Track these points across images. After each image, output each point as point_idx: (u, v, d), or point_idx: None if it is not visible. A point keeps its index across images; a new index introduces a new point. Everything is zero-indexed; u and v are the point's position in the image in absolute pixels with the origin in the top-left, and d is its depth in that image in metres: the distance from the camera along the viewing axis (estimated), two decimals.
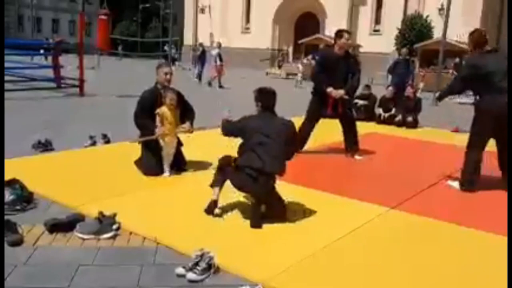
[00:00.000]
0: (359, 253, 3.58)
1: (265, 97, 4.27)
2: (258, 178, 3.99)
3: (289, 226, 4.04)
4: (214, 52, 19.82)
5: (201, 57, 21.13)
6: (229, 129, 4.49)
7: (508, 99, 5.06)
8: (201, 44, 22.50)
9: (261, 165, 3.97)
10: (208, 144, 6.41)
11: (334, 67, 6.57)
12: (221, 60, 19.48)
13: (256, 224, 3.96)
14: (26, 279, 2.94)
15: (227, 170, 4.20)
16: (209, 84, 19.04)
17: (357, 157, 6.80)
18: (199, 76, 20.50)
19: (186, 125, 5.44)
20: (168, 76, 5.38)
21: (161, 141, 5.26)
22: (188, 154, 5.72)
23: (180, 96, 5.39)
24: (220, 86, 18.74)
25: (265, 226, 4.00)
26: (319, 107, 6.78)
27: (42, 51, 21.87)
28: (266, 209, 4.14)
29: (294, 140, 4.41)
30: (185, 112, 5.47)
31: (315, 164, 6.48)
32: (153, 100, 5.30)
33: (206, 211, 4.14)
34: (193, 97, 5.77)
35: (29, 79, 13.78)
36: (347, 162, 6.68)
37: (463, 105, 15.75)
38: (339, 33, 6.63)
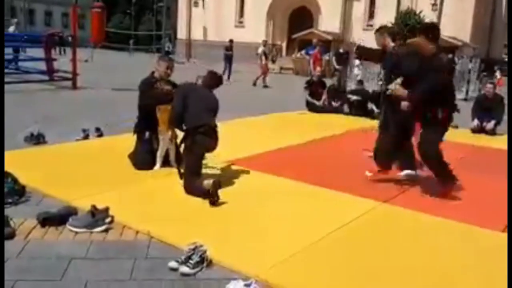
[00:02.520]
0: (351, 246, 3.60)
1: (210, 78, 5.01)
2: (209, 131, 4.64)
3: (282, 220, 4.06)
4: (260, 49, 18.80)
5: (229, 55, 19.99)
6: (176, 113, 4.73)
7: (508, 98, 5.08)
8: (231, 41, 20.83)
9: (207, 120, 4.67)
10: None
11: None
12: (266, 58, 18.80)
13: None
14: (18, 273, 2.94)
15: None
16: (262, 84, 18.04)
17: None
18: (228, 75, 18.89)
19: None
20: (169, 71, 5.51)
21: (160, 136, 5.27)
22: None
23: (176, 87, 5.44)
24: (265, 86, 17.82)
25: (259, 220, 4.02)
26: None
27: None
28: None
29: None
30: None
31: (307, 158, 6.48)
32: (148, 86, 5.39)
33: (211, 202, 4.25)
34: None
35: (22, 72, 13.67)
36: (338, 156, 6.69)
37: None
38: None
